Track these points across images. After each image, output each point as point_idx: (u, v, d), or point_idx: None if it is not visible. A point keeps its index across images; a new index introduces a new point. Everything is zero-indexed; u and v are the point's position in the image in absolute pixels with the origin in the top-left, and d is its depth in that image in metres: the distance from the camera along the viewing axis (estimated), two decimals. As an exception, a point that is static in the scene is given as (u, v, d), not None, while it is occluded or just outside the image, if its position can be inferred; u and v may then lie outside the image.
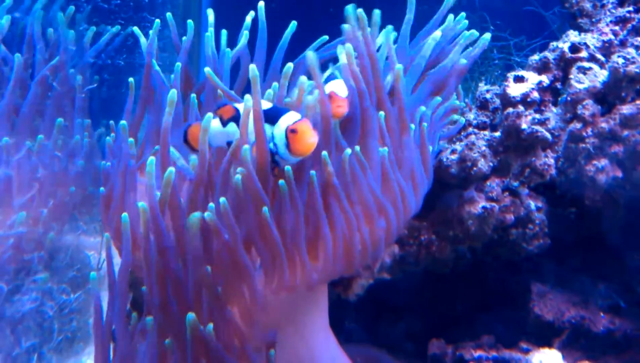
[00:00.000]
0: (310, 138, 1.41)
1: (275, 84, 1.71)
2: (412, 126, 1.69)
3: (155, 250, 1.43)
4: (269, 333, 1.50)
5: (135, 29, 2.01)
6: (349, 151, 1.53)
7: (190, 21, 1.99)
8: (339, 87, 1.62)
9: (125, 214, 1.46)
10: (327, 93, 1.59)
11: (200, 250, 1.41)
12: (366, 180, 1.57)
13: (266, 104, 1.51)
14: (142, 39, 1.96)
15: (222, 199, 1.40)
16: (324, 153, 1.49)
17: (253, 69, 1.46)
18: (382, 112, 1.64)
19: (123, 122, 1.72)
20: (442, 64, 1.91)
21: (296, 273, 1.51)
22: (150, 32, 1.96)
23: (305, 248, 1.51)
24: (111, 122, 1.85)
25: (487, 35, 1.97)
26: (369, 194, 1.58)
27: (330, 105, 1.54)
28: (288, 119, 1.44)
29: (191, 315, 1.36)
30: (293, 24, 1.99)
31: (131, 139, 1.73)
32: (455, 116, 1.95)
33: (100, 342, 1.47)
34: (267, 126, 1.46)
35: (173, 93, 1.55)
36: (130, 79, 1.95)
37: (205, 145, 1.46)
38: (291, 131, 1.42)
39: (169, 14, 2.04)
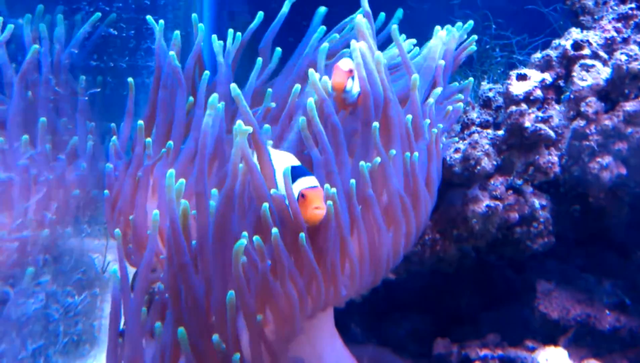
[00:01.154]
0: (316, 206, 1.40)
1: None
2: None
3: (176, 265, 1.42)
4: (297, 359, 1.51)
5: (149, 17, 2.01)
6: (378, 159, 1.54)
7: (201, 25, 1.98)
8: (344, 63, 1.64)
9: (156, 212, 1.44)
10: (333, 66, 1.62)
11: (243, 277, 1.38)
12: (398, 191, 1.58)
13: (294, 161, 1.52)
14: (157, 28, 1.97)
15: (274, 230, 1.38)
16: (362, 163, 1.50)
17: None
18: (409, 116, 1.66)
19: (141, 123, 1.72)
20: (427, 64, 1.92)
21: (329, 296, 1.51)
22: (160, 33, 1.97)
23: (340, 270, 1.50)
24: (112, 125, 1.85)
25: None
26: (398, 203, 1.59)
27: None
28: (303, 183, 1.43)
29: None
30: (321, 9, 2.01)
31: (148, 140, 1.73)
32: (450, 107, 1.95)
33: (113, 340, 1.48)
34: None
35: (214, 98, 1.52)
36: (130, 79, 1.94)
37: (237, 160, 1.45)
38: (301, 196, 1.41)
39: (200, 25, 2.02)
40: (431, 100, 1.77)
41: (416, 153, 1.64)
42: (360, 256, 1.55)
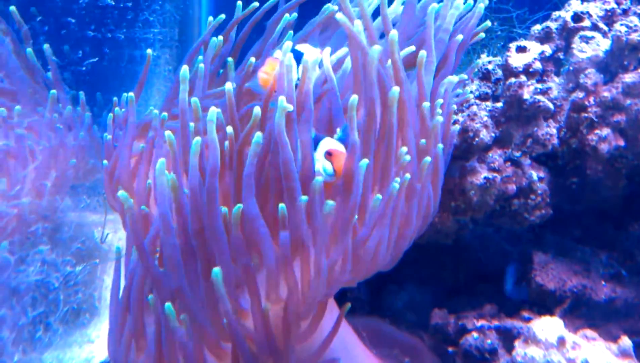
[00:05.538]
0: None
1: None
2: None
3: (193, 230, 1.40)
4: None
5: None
6: (404, 149, 1.52)
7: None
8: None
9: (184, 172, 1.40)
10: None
11: (243, 242, 1.38)
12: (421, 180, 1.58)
13: None
14: None
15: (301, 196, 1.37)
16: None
17: None
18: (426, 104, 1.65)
19: (130, 94, 1.72)
20: (439, 36, 1.86)
21: (333, 277, 1.46)
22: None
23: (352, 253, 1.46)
24: (114, 98, 1.84)
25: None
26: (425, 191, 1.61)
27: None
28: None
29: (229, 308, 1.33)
30: None
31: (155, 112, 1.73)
32: (460, 90, 1.95)
33: (115, 309, 1.48)
34: None
35: (185, 71, 1.50)
36: (149, 51, 1.93)
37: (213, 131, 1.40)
38: (328, 154, 1.48)
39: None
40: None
41: (440, 145, 1.63)
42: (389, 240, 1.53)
